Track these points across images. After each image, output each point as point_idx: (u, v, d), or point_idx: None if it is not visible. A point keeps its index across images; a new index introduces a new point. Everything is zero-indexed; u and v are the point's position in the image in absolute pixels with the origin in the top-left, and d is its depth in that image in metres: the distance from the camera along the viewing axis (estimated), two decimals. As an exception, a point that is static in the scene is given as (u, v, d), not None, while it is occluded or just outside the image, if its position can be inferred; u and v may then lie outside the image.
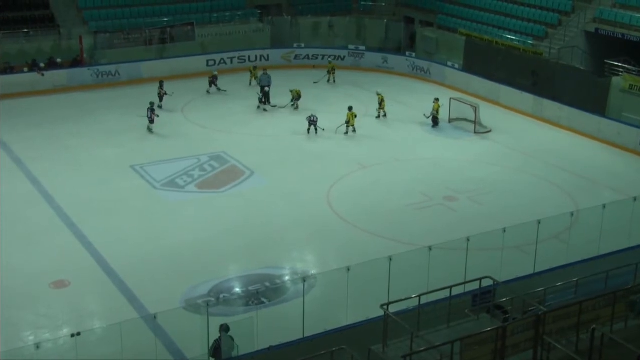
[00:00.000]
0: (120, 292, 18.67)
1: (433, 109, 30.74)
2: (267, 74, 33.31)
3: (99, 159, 26.92)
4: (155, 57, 36.99)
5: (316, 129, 29.41)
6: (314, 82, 35.60)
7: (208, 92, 34.57)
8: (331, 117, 30.71)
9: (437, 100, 30.91)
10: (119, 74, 35.58)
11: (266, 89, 32.74)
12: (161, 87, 32.08)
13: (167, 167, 26.26)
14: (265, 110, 32.35)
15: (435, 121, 30.77)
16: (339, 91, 35.31)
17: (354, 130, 29.46)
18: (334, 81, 36.25)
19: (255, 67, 35.87)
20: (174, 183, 25.19)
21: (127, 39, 37.03)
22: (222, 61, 37.90)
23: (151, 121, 29.18)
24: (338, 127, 29.47)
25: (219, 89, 34.68)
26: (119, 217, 22.64)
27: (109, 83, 35.13)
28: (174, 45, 37.93)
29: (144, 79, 35.81)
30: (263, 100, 32.61)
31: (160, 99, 31.74)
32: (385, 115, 31.56)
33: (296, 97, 32.48)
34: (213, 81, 34.71)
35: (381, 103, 31.58)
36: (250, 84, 35.35)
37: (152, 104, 29.54)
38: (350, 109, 29.49)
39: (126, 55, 36.45)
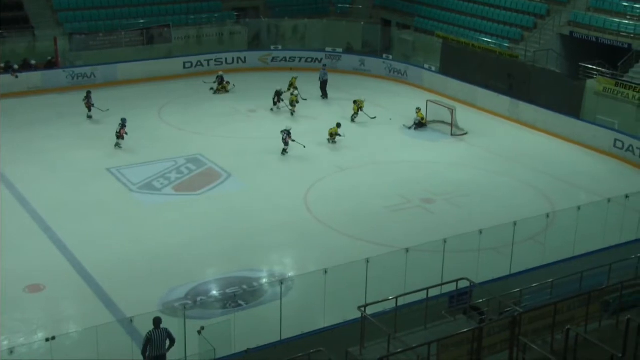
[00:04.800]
0: (97, 295, 18.53)
1: (416, 118, 30.96)
2: (324, 69, 35.03)
3: (74, 162, 26.69)
4: (131, 59, 36.76)
5: (285, 151, 27.74)
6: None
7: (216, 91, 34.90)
8: (310, 119, 30.91)
9: (419, 110, 31.10)
10: (94, 76, 35.35)
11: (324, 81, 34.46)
12: (88, 97, 30.61)
13: (143, 170, 26.12)
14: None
15: (421, 124, 30.92)
16: (317, 93, 35.32)
17: (334, 141, 29.03)
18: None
19: (228, 83, 35.30)
20: (151, 186, 25.06)
21: (103, 40, 36.84)
22: (198, 63, 37.80)
23: (120, 137, 27.75)
24: (330, 141, 29.01)
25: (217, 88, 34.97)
26: (95, 220, 22.47)
27: (84, 85, 34.83)
28: (150, 47, 37.75)
29: (120, 81, 35.66)
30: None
31: (89, 109, 30.54)
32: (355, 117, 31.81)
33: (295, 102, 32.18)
34: (220, 82, 34.88)
35: (358, 109, 31.69)
36: (215, 92, 34.85)
37: (123, 120, 28.03)
38: (338, 125, 29.07)
39: (102, 57, 36.24)
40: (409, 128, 30.97)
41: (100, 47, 36.70)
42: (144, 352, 14.64)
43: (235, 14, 41.43)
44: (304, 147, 27.62)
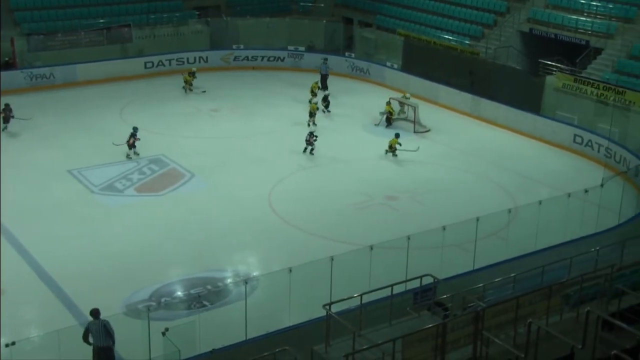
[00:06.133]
0: (59, 299, 18.30)
1: (385, 110, 31.12)
2: (326, 63, 35.42)
3: (34, 164, 26.32)
4: (91, 59, 36.29)
5: (312, 150, 27.67)
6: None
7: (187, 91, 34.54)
8: (274, 118, 30.87)
9: (388, 103, 31.29)
10: (53, 77, 34.87)
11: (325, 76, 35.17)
12: (8, 109, 29.07)
13: (105, 171, 25.85)
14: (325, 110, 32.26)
15: (389, 121, 31.02)
16: (280, 92, 35.31)
17: (395, 154, 27.82)
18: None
19: (190, 74, 35.08)
20: (113, 187, 24.80)
21: (62, 41, 36.33)
22: (160, 63, 37.50)
23: (131, 146, 26.98)
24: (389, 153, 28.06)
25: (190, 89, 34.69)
26: (56, 222, 22.19)
27: (43, 86, 34.38)
28: (111, 47, 37.31)
29: (79, 82, 35.22)
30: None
31: (6, 121, 29.00)
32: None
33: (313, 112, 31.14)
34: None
35: (403, 105, 31.75)
36: (185, 91, 34.68)
37: (135, 129, 27.26)
38: (397, 136, 28.05)
39: (61, 57, 35.74)
40: (377, 125, 31.04)
41: (59, 48, 36.20)
42: (84, 339, 14.77)
43: (197, 12, 41.17)
44: (312, 151, 27.59)
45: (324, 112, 32.00)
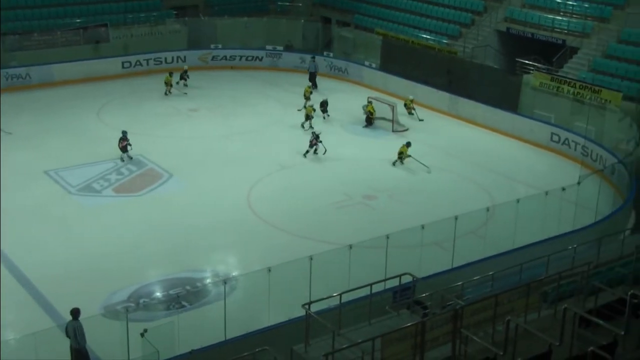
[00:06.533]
0: (36, 301, 18.14)
1: (366, 110, 31.16)
2: (314, 61, 35.70)
3: (10, 165, 25.97)
4: (67, 59, 35.97)
5: (316, 151, 27.54)
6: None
7: (167, 93, 34.07)
8: (252, 117, 30.77)
9: (370, 103, 31.32)
10: (29, 77, 34.54)
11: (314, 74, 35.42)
12: None
13: (82, 172, 25.65)
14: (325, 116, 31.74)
15: (369, 121, 31.04)
16: (258, 92, 35.24)
17: (402, 163, 27.19)
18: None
19: (171, 74, 34.78)
20: (90, 187, 24.62)
21: (38, 40, 35.99)
22: (137, 63, 37.27)
23: (123, 150, 26.48)
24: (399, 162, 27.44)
25: (185, 83, 34.61)
26: (33, 223, 21.98)
27: (19, 86, 34.04)
28: (88, 46, 37.02)
29: (56, 82, 34.93)
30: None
31: None
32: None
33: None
34: (182, 76, 34.80)
35: (410, 108, 31.87)
36: (166, 93, 34.28)
37: (124, 132, 26.75)
38: (408, 144, 27.31)
39: (37, 57, 35.40)
40: (365, 127, 31.09)
41: (35, 47, 35.86)
42: (66, 336, 14.86)
43: (174, 12, 40.97)
44: (325, 151, 27.42)
45: (324, 118, 31.59)
